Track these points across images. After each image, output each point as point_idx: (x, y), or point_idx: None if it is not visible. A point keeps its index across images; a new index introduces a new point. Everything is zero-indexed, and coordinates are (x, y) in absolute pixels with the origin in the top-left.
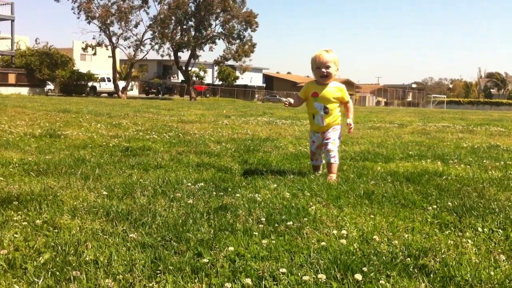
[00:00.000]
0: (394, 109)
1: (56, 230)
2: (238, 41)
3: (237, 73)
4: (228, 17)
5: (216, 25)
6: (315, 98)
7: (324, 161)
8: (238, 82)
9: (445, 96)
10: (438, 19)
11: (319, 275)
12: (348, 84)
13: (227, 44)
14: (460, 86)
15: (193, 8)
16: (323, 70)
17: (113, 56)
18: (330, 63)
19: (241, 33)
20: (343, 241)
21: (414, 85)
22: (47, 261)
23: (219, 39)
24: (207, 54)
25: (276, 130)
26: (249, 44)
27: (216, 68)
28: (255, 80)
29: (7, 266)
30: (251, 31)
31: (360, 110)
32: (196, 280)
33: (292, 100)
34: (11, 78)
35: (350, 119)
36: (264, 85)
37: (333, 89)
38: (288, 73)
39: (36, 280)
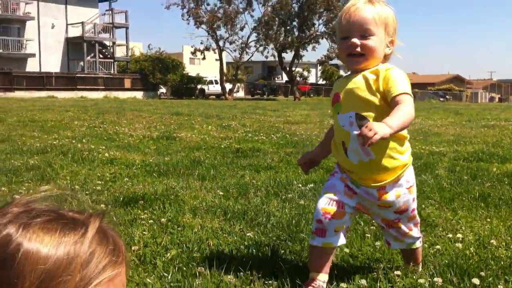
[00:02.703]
0: (510, 105)
1: (180, 228)
2: None
3: (341, 72)
4: (331, 16)
5: (319, 25)
6: (336, 107)
7: (341, 240)
8: None
9: None
10: None
11: (435, 279)
12: (458, 80)
13: (330, 43)
14: None
15: (296, 9)
16: (354, 40)
17: (220, 59)
18: (371, 25)
19: None
20: (459, 245)
21: None
22: (174, 257)
23: (322, 38)
24: (311, 54)
25: None
26: None
27: (319, 67)
28: None
29: (138, 261)
30: None
31: (472, 107)
32: None
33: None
34: (127, 83)
35: (384, 123)
36: None
37: (367, 79)
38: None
39: (165, 274)
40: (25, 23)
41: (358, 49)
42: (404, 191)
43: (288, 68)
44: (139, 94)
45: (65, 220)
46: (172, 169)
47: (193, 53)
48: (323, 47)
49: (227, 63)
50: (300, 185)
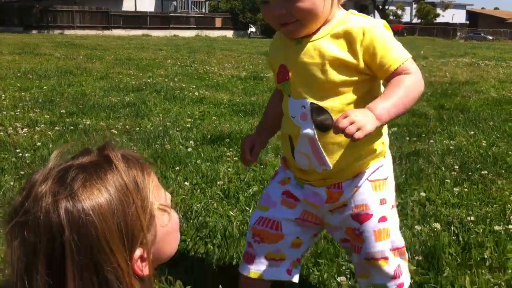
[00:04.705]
0: None
1: (262, 166)
2: None
3: (438, 10)
4: None
5: None
6: (285, 86)
7: (280, 273)
8: (438, 20)
9: None
10: None
11: (510, 226)
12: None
13: None
14: None
15: None
16: (278, 11)
17: None
18: None
19: None
20: None
21: None
22: (255, 192)
23: None
24: None
25: (477, 73)
26: None
27: (414, 6)
28: (457, 17)
29: (223, 195)
30: None
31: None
32: None
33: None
34: (218, 22)
35: (372, 110)
36: (468, 22)
37: (330, 48)
38: (496, 8)
39: (247, 208)
40: None
41: (287, 19)
42: (366, 185)
43: (381, 7)
44: (229, 33)
45: (90, 168)
46: (258, 109)
47: None
48: None
49: None
50: None
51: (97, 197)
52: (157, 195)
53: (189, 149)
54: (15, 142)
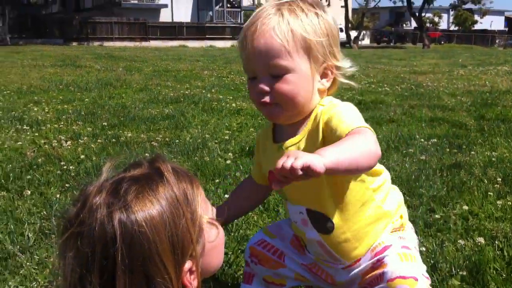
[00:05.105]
0: None
1: None
2: None
3: (476, 17)
4: None
5: None
6: (281, 191)
7: None
8: (476, 26)
9: None
10: None
11: None
12: None
13: None
14: None
15: None
16: (261, 86)
17: (346, 5)
18: (281, 57)
19: None
20: None
21: None
22: None
23: None
24: None
25: None
26: None
27: (452, 12)
28: (496, 24)
29: (263, 208)
30: None
31: None
32: (428, 234)
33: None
34: None
35: (317, 152)
36: (507, 29)
37: (306, 145)
38: None
39: None
40: None
41: (267, 98)
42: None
43: (417, 14)
44: None
45: (142, 181)
46: None
47: None
48: None
49: (353, 10)
50: (422, 139)
51: (149, 209)
52: (205, 209)
53: (228, 161)
54: (59, 154)
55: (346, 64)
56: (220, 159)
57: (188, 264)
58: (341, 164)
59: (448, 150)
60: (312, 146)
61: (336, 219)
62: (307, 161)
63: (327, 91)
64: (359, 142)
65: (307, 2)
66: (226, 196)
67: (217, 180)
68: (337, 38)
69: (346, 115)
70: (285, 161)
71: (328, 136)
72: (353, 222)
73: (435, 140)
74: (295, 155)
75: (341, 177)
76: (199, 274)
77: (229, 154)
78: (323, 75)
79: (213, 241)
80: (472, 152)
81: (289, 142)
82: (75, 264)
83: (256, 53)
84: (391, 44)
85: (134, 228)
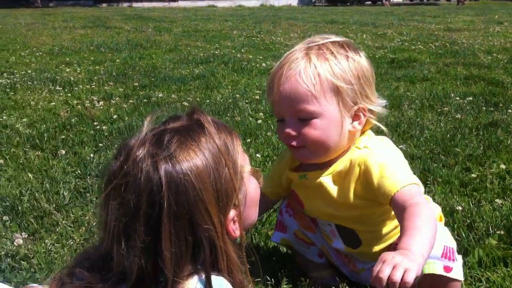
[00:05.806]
0: None
1: None
2: None
3: None
4: None
5: None
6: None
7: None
8: None
9: None
10: None
11: None
12: None
13: None
14: None
15: None
16: (288, 130)
17: None
18: (308, 103)
19: None
20: None
21: None
22: None
23: None
24: None
25: None
26: None
27: None
28: None
29: None
30: None
31: None
32: (464, 194)
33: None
34: None
35: (407, 253)
36: None
37: (336, 184)
38: None
39: None
40: None
41: (295, 142)
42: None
43: None
44: (294, 2)
45: (184, 132)
46: None
47: None
48: None
49: None
50: (457, 98)
51: (193, 159)
52: (244, 160)
53: (259, 121)
54: (92, 115)
55: (379, 107)
56: (251, 118)
57: (232, 213)
58: (429, 251)
59: (484, 108)
60: (339, 186)
61: (363, 236)
62: (416, 273)
63: (355, 134)
64: (429, 216)
65: (338, 43)
66: (258, 155)
67: (248, 140)
68: (371, 80)
69: (389, 170)
70: (388, 273)
71: (365, 188)
72: (382, 241)
73: (471, 98)
74: (399, 265)
75: (373, 205)
76: (242, 224)
77: (260, 113)
78: (355, 117)
79: (252, 192)
80: (509, 110)
81: (313, 174)
82: (120, 213)
83: (282, 97)
84: (425, 0)
85: (179, 177)
